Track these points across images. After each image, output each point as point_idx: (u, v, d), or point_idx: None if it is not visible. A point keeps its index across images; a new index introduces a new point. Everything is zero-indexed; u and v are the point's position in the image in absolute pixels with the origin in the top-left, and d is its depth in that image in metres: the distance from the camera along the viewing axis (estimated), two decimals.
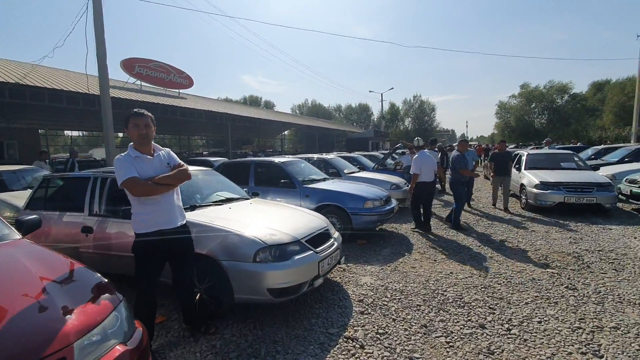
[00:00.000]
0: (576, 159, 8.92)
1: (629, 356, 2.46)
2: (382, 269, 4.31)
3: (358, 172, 8.61)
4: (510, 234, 5.91)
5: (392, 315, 3.11)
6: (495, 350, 2.56)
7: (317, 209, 5.20)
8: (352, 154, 11.36)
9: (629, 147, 12.56)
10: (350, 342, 2.69)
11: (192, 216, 3.05)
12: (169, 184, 2.42)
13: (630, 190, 7.36)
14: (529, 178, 8.00)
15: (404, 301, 3.39)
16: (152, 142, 2.50)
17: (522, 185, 8.29)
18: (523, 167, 8.74)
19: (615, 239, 5.40)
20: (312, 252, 3.12)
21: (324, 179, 6.33)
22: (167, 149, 2.62)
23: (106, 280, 2.02)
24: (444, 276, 4.04)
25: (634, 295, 3.43)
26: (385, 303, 3.35)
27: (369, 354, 2.53)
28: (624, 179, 7.84)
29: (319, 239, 3.38)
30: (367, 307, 3.27)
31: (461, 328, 2.87)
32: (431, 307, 3.26)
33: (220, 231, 2.95)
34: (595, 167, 9.54)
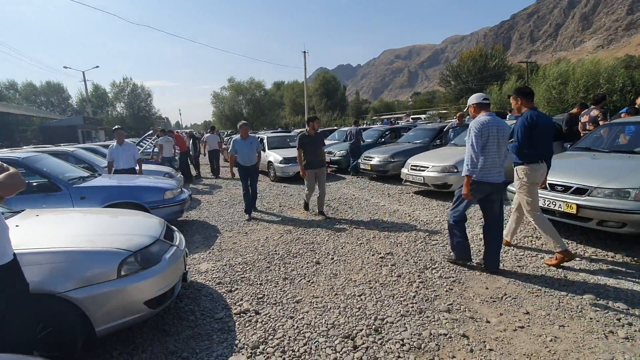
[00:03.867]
0: (288, 140, 11.86)
1: (387, 248, 4.22)
2: (209, 253, 4.34)
3: None
4: (284, 198, 7.37)
5: (257, 281, 3.45)
6: (336, 273, 3.58)
7: None
8: (76, 147, 9.11)
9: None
10: (244, 314, 2.83)
11: None
12: None
13: (330, 159, 11.00)
14: (274, 156, 9.98)
15: (254, 269, 3.76)
16: None
17: (269, 162, 10.18)
18: (266, 148, 10.70)
19: (336, 190, 8.10)
20: (175, 247, 2.82)
21: (93, 176, 5.02)
22: None
23: None
24: (264, 242, 4.69)
25: (366, 218, 5.60)
26: (243, 275, 3.59)
27: (267, 315, 2.82)
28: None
29: (168, 233, 3.04)
30: (230, 285, 3.38)
31: (308, 269, 3.70)
32: (277, 264, 3.85)
33: (56, 254, 2.05)
34: None
